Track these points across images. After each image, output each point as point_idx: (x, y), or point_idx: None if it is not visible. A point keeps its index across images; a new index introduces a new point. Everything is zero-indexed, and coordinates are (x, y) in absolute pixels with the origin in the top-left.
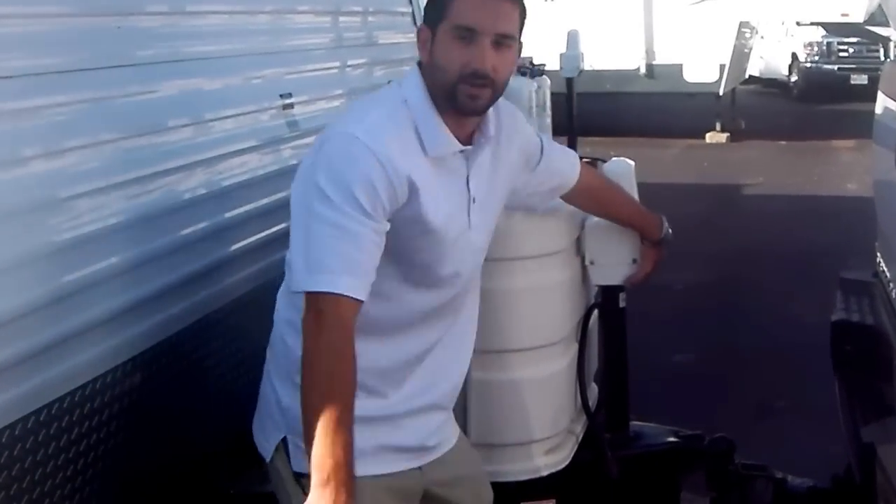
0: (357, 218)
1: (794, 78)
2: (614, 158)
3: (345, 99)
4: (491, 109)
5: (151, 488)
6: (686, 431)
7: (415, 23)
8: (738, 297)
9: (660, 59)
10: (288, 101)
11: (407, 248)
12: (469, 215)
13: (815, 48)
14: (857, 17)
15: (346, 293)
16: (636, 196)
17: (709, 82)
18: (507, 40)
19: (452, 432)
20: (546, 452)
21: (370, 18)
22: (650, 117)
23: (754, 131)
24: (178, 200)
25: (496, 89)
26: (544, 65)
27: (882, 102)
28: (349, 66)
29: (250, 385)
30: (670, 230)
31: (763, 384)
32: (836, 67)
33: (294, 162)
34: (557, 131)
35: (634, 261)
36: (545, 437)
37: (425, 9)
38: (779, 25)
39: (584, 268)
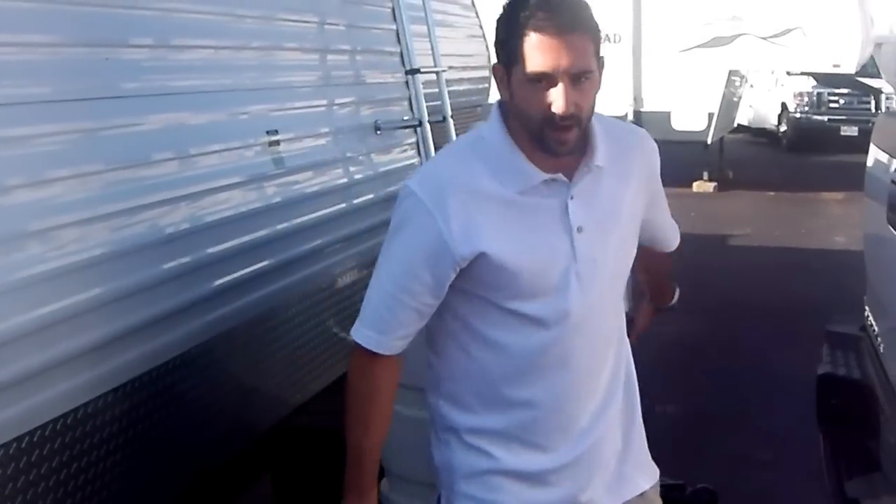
0: (401, 282)
1: (783, 128)
2: None
3: (331, 137)
4: (599, 139)
5: None
6: (668, 481)
7: (403, 63)
8: (723, 348)
9: (648, 107)
10: (274, 137)
11: (504, 292)
12: (573, 246)
13: (806, 98)
14: (849, 68)
15: (373, 348)
16: None
17: (697, 131)
18: (585, 74)
19: (620, 489)
20: None
21: (358, 57)
22: None
23: (742, 181)
24: (162, 234)
25: (582, 124)
26: None
27: (874, 155)
28: (336, 104)
29: (233, 417)
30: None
31: (747, 436)
32: (826, 118)
33: (279, 199)
34: None
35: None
36: None
37: (495, 44)
38: (769, 75)
39: None
